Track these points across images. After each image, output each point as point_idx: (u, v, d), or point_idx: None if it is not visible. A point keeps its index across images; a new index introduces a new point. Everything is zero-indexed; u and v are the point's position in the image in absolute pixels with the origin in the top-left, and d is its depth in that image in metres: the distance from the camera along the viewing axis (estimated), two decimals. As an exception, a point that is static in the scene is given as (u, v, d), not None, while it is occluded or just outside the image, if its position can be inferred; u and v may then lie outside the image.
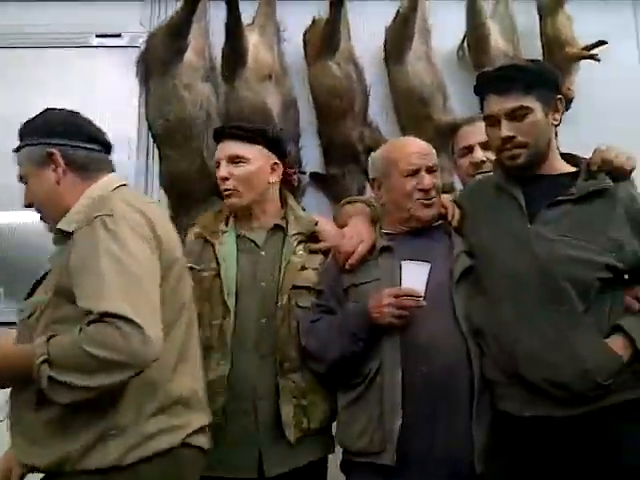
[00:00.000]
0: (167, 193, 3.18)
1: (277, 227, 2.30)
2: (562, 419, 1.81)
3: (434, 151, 2.19)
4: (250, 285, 2.20)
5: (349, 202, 2.43)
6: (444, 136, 3.08)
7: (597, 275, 1.84)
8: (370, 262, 2.10)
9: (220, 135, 2.35)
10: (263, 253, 2.26)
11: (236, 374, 2.12)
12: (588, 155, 2.00)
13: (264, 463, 2.08)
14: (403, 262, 1.96)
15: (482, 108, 2.02)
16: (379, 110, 3.35)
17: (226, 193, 2.28)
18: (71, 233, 1.66)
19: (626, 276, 1.92)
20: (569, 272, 1.83)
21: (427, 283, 1.92)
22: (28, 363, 1.50)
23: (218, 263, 2.21)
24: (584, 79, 3.35)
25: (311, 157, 3.26)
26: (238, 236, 2.29)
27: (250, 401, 2.11)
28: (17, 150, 1.86)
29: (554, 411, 1.82)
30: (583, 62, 3.31)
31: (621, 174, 1.94)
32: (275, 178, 2.34)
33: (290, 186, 3.05)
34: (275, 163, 2.34)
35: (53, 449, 1.57)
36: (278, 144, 2.37)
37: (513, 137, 1.91)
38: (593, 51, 3.25)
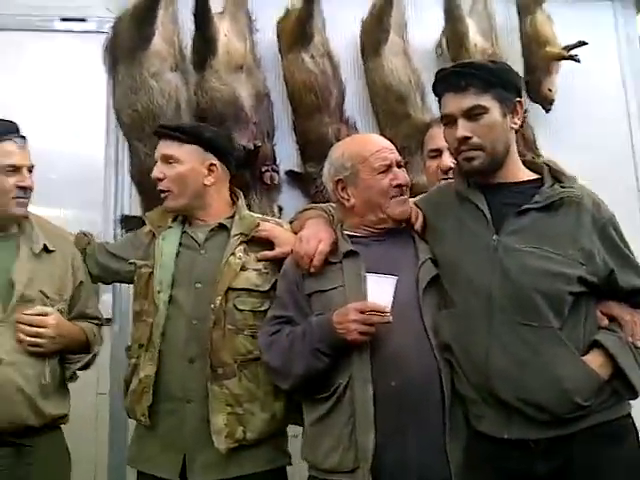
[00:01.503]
0: (137, 187, 3.06)
1: (221, 227, 2.20)
2: (540, 441, 1.74)
3: None
4: (186, 284, 2.12)
5: (307, 209, 2.32)
6: (422, 135, 3.03)
7: (569, 289, 1.76)
8: (334, 266, 1.98)
9: (157, 134, 2.27)
10: (203, 252, 2.17)
11: (165, 375, 2.07)
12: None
13: (187, 469, 2.02)
14: (368, 275, 1.85)
15: (440, 108, 1.94)
16: (356, 105, 3.27)
17: (162, 195, 2.20)
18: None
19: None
20: (541, 286, 1.75)
21: (394, 297, 1.82)
22: (83, 339, 2.19)
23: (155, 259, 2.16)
24: (565, 81, 3.33)
25: (287, 154, 3.18)
26: (184, 233, 2.22)
27: (178, 403, 2.06)
28: None
29: (531, 433, 1.75)
30: (564, 63, 3.29)
31: None
32: (212, 179, 2.22)
33: (263, 184, 3.00)
34: (212, 164, 2.23)
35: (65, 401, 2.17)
36: (215, 144, 2.26)
37: (469, 138, 1.83)
38: (573, 51, 3.23)
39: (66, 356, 2.15)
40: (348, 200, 2.04)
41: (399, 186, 2.00)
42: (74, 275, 2.21)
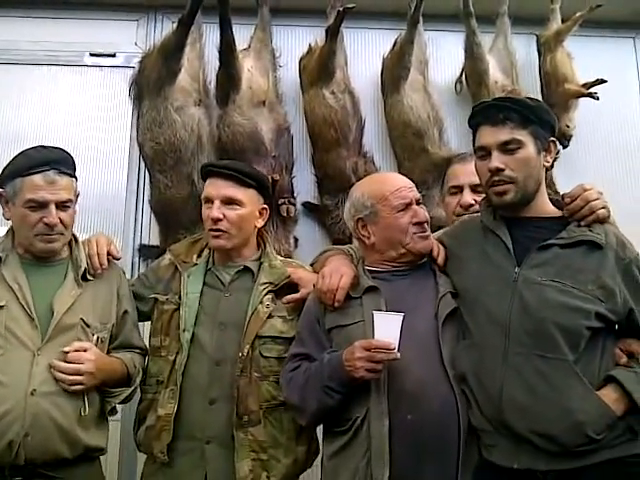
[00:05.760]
0: (156, 217, 3.14)
1: (246, 269, 2.22)
2: (548, 473, 1.73)
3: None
4: (209, 324, 2.14)
5: (327, 250, 2.33)
6: (439, 170, 3.05)
7: (587, 324, 1.76)
8: (354, 302, 2.00)
9: (213, 173, 2.23)
10: (227, 294, 2.18)
11: (184, 414, 2.08)
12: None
13: None
14: (375, 313, 1.86)
15: (474, 141, 1.96)
16: (375, 140, 3.32)
17: (215, 234, 2.17)
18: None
19: (617, 326, 1.85)
20: (558, 319, 1.75)
21: (401, 333, 1.83)
22: (123, 372, 2.11)
23: (181, 297, 2.17)
24: (583, 117, 3.34)
25: (305, 186, 3.23)
26: (208, 270, 2.23)
27: (197, 442, 2.07)
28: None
29: (539, 464, 1.74)
30: (582, 100, 3.30)
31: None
32: (261, 222, 2.27)
33: (280, 215, 3.03)
34: (264, 208, 2.27)
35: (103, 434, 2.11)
36: (267, 189, 2.32)
37: (502, 170, 1.85)
38: (592, 89, 3.23)
39: (106, 390, 2.08)
40: (368, 238, 2.07)
41: (419, 223, 2.02)
42: (119, 303, 2.17)
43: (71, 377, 1.94)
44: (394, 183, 2.08)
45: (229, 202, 2.17)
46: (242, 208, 2.18)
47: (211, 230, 2.17)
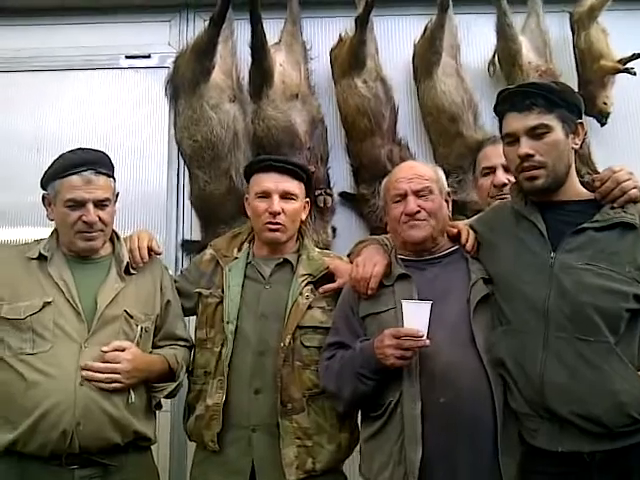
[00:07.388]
0: (196, 212, 3.21)
1: (285, 262, 2.27)
2: (595, 454, 1.74)
3: (429, 174, 2.09)
4: (251, 317, 2.19)
5: (362, 241, 2.35)
6: (475, 153, 3.04)
7: (625, 306, 1.76)
8: (387, 289, 2.04)
9: (268, 167, 2.28)
10: (268, 286, 2.24)
11: (231, 404, 2.13)
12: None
13: None
14: (403, 301, 1.90)
15: (501, 128, 1.96)
16: (409, 126, 3.32)
17: (273, 227, 2.22)
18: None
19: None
20: (597, 302, 1.75)
21: (430, 321, 1.85)
22: (165, 368, 2.17)
23: (223, 290, 2.22)
24: (621, 93, 3.28)
25: (341, 176, 3.26)
26: (249, 263, 2.28)
27: (243, 431, 2.13)
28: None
29: (584, 446, 1.75)
30: (621, 76, 3.23)
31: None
32: (304, 216, 2.35)
33: (317, 207, 3.06)
34: (307, 201, 2.35)
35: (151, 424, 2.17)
36: (311, 182, 2.37)
37: (532, 155, 1.85)
38: (629, 64, 3.17)
39: (151, 385, 2.15)
40: (386, 225, 2.16)
41: (407, 215, 2.03)
42: (162, 295, 2.25)
43: (106, 376, 1.99)
44: (396, 175, 2.12)
45: (286, 196, 2.23)
46: (296, 202, 2.26)
47: (269, 223, 2.22)
